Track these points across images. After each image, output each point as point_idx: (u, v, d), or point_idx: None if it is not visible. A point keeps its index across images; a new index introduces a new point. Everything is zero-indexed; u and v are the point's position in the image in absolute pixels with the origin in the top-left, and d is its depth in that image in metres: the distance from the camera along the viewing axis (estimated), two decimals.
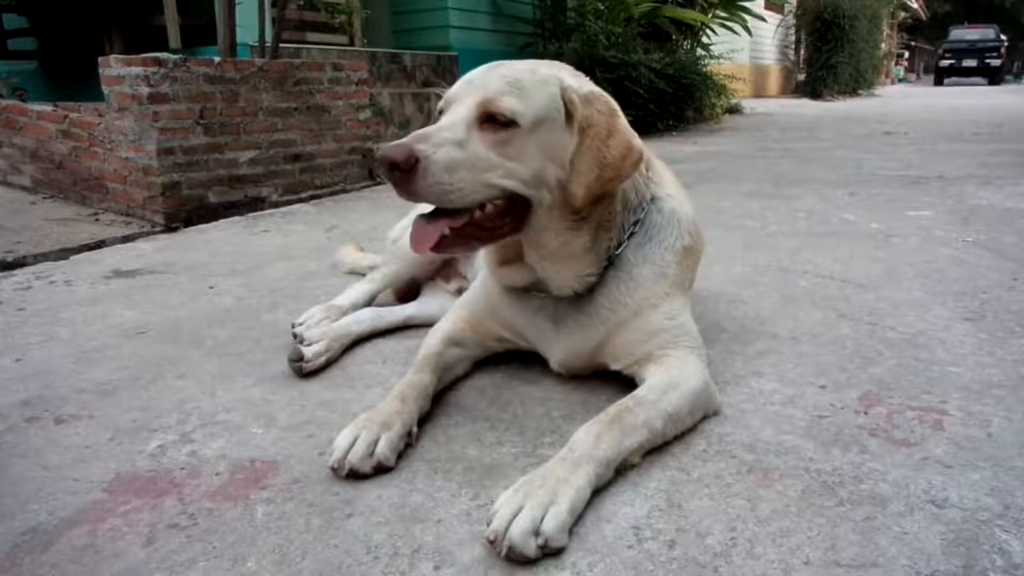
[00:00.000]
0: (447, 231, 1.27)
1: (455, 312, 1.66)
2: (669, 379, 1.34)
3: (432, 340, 1.57)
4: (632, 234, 1.46)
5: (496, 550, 1.02)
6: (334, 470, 1.23)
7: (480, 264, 1.88)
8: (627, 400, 1.28)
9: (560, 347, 1.51)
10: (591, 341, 1.47)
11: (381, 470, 1.24)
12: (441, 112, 1.37)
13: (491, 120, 1.28)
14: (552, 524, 1.03)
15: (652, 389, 1.31)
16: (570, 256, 1.41)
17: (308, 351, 1.68)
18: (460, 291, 1.95)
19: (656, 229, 1.49)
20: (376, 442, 1.25)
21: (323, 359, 1.70)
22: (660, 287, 1.46)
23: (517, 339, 1.60)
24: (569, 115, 1.33)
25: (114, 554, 1.06)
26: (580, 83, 1.38)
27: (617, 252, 1.45)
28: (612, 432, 1.19)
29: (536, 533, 1.02)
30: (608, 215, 1.43)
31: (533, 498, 1.06)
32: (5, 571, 1.03)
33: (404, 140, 1.24)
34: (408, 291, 2.07)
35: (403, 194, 1.24)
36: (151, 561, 1.04)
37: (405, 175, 1.21)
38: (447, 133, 1.27)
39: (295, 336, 1.77)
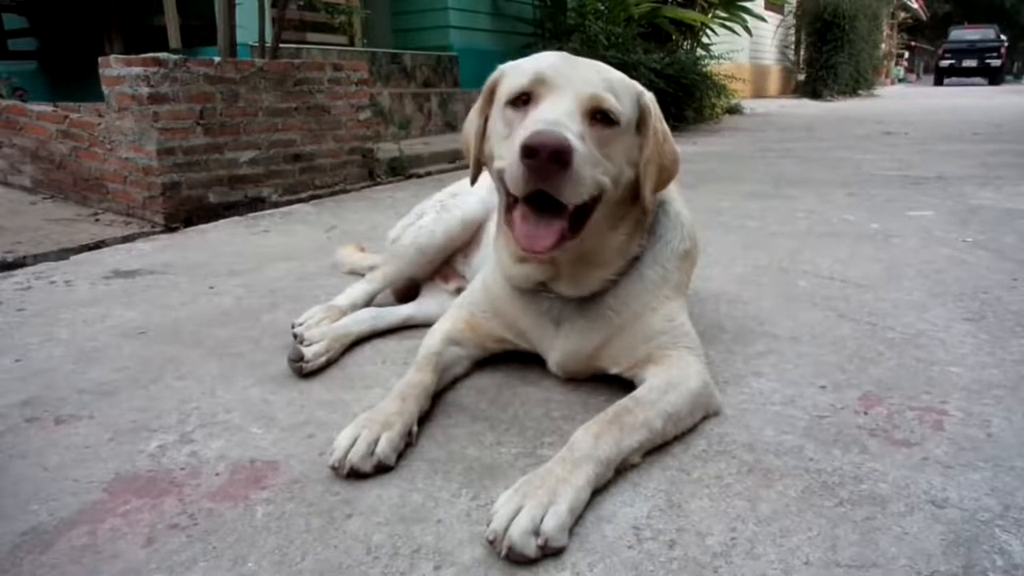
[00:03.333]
0: (566, 228, 1.25)
1: (454, 312, 1.65)
2: (668, 379, 1.34)
3: (432, 339, 1.56)
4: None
5: (496, 550, 1.02)
6: (334, 469, 1.23)
7: (479, 264, 1.88)
8: (627, 400, 1.28)
9: (560, 349, 1.50)
10: (591, 343, 1.46)
11: (382, 469, 1.23)
12: (526, 94, 1.30)
13: (594, 117, 1.27)
14: (552, 524, 1.03)
15: (652, 389, 1.32)
16: (603, 256, 1.42)
17: (308, 351, 1.68)
18: (459, 291, 1.94)
19: (663, 231, 1.51)
20: (377, 441, 1.24)
21: (323, 359, 1.70)
22: (662, 290, 1.47)
23: (518, 340, 1.59)
24: (640, 120, 1.37)
25: (114, 554, 1.06)
26: (642, 86, 1.41)
27: (639, 254, 1.46)
28: (612, 432, 1.19)
29: (536, 533, 1.02)
30: (642, 217, 1.44)
31: (532, 498, 1.06)
32: (5, 571, 1.03)
33: (546, 128, 1.16)
34: (407, 291, 2.07)
35: (541, 186, 1.18)
36: (151, 561, 1.04)
37: (560, 167, 1.15)
38: (573, 126, 1.21)
39: (295, 336, 1.77)
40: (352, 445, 1.23)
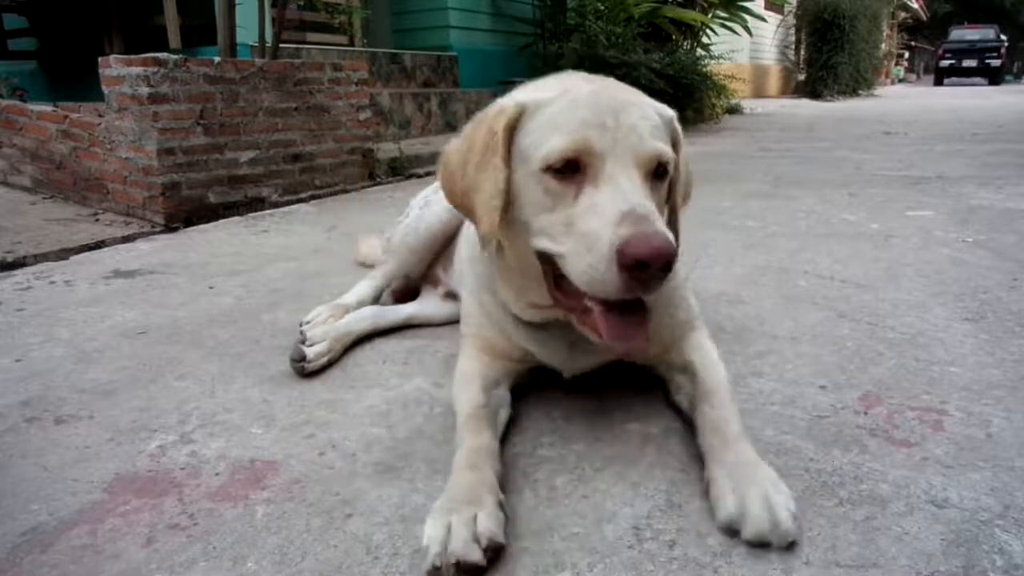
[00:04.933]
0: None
1: (467, 344, 1.49)
2: (703, 360, 1.38)
3: (468, 391, 1.34)
4: None
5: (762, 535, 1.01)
6: (436, 569, 0.95)
7: (458, 278, 1.84)
8: (704, 406, 1.28)
9: (576, 365, 1.44)
10: (611, 354, 1.42)
11: (496, 550, 1.00)
12: (576, 161, 1.12)
13: (651, 174, 1.17)
14: (790, 505, 1.05)
15: (706, 380, 1.34)
16: None
17: (310, 351, 1.67)
18: (447, 295, 1.96)
19: None
20: (475, 521, 1.00)
21: (325, 359, 1.69)
22: (673, 286, 1.44)
23: (530, 352, 1.48)
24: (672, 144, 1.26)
25: (114, 554, 1.06)
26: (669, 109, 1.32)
27: None
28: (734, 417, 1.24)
29: (770, 514, 1.03)
30: None
31: (754, 485, 1.07)
32: (5, 571, 1.03)
33: (648, 228, 1.03)
34: (405, 291, 2.08)
35: (647, 293, 1.06)
36: (151, 561, 1.04)
37: (665, 273, 1.04)
38: (650, 204, 1.09)
39: (302, 335, 1.76)
40: (447, 534, 0.98)
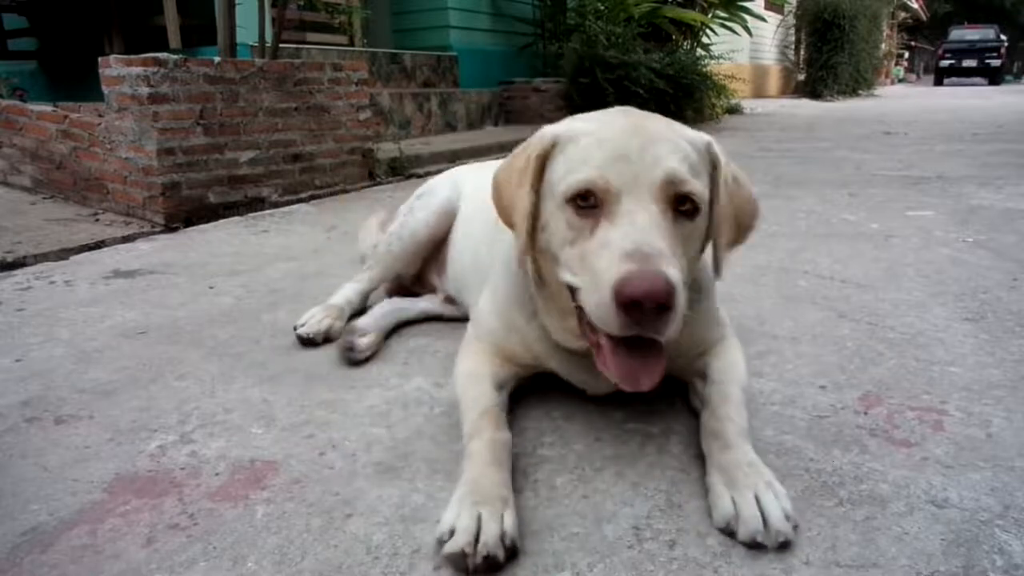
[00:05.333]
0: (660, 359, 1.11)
1: (478, 349, 1.47)
2: (728, 364, 1.38)
3: (479, 388, 1.34)
4: None
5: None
6: (463, 556, 0.98)
7: (454, 283, 1.89)
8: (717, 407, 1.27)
9: (601, 387, 1.40)
10: None
11: (512, 554, 1.01)
12: (590, 196, 1.12)
13: (676, 208, 1.13)
14: (784, 505, 1.06)
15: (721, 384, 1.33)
16: None
17: (361, 342, 1.74)
18: (446, 299, 1.99)
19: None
20: (502, 518, 1.03)
21: (369, 352, 1.75)
22: (709, 303, 1.44)
23: (546, 365, 1.46)
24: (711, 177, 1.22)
25: (114, 554, 1.06)
26: (706, 135, 1.27)
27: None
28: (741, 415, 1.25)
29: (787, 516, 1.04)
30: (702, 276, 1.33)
31: (746, 489, 1.08)
32: (5, 571, 1.03)
33: (646, 270, 1.01)
34: (397, 290, 2.10)
35: (648, 333, 1.04)
36: (151, 561, 1.04)
37: (665, 312, 1.01)
38: (662, 242, 1.06)
39: (302, 338, 1.83)
40: (479, 527, 1.00)
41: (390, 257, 2.02)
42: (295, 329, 1.85)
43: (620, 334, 1.06)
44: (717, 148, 1.24)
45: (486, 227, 1.63)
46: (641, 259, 1.02)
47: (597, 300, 1.06)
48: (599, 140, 1.16)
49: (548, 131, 1.24)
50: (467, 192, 1.95)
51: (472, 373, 1.40)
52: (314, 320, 1.86)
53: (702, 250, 1.27)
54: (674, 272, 1.03)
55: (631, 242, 1.05)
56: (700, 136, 1.24)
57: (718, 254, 1.24)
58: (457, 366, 1.45)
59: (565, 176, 1.16)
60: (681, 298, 1.03)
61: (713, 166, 1.23)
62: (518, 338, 1.43)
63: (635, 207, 1.09)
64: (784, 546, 1.02)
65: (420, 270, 2.06)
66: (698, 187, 1.14)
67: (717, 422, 1.23)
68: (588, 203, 1.13)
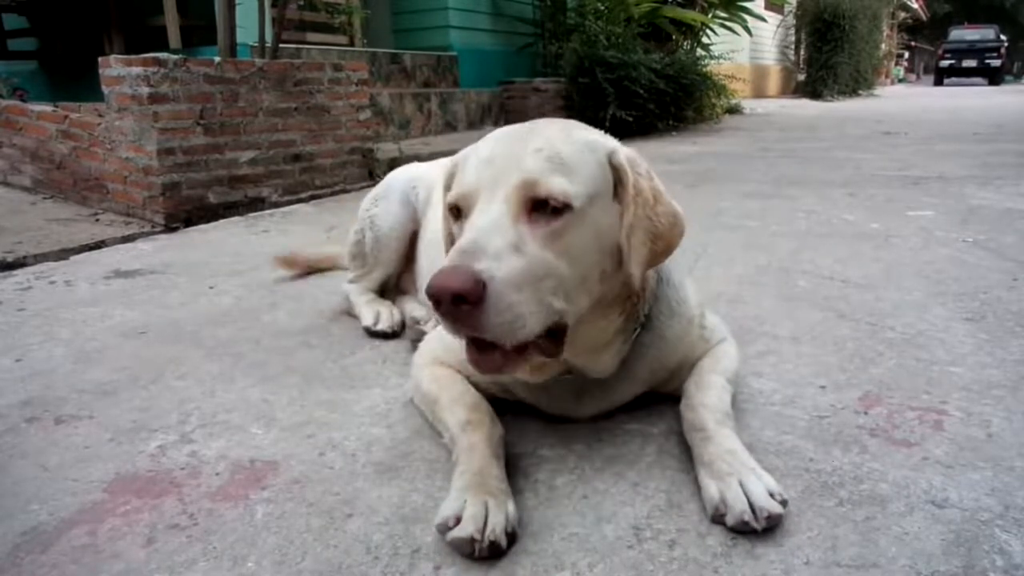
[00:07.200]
0: (509, 352, 1.06)
1: (438, 368, 1.42)
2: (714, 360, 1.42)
3: (457, 388, 1.34)
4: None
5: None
6: (471, 541, 1.01)
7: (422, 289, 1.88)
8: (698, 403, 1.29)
9: (587, 411, 1.38)
10: (628, 395, 1.39)
11: (512, 540, 1.05)
12: (458, 209, 1.13)
13: (538, 208, 1.07)
14: (768, 486, 1.10)
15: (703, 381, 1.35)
16: (604, 345, 1.27)
17: (428, 328, 1.76)
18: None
19: (667, 272, 1.36)
20: (507, 509, 1.07)
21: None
22: (689, 326, 1.40)
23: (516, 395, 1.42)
24: (615, 186, 1.16)
25: (114, 554, 1.06)
26: (615, 143, 1.21)
27: (647, 314, 1.31)
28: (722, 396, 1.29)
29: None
30: (641, 289, 1.26)
31: (730, 476, 1.11)
32: (5, 571, 1.03)
33: (455, 261, 0.99)
34: (384, 290, 2.11)
35: (466, 332, 1.02)
36: (151, 561, 1.04)
37: (473, 308, 0.96)
38: (497, 238, 1.02)
39: (384, 332, 1.89)
40: (486, 514, 1.04)
41: (384, 256, 2.00)
42: (368, 329, 1.89)
43: (453, 335, 1.06)
44: (624, 159, 1.17)
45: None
46: (459, 256, 1.00)
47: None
48: (478, 153, 1.15)
49: (456, 155, 1.24)
50: (435, 199, 1.84)
51: (441, 376, 1.39)
52: (385, 315, 1.92)
53: (620, 262, 1.18)
54: (490, 266, 0.98)
55: (464, 241, 1.03)
56: (602, 144, 1.18)
57: (630, 269, 1.15)
58: (416, 384, 1.43)
59: (452, 192, 1.17)
60: (498, 294, 0.97)
61: (617, 177, 1.16)
62: (455, 358, 1.36)
63: (483, 208, 1.07)
64: (774, 528, 1.04)
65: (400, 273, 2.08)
66: (561, 187, 1.06)
67: (692, 412, 1.26)
68: (458, 210, 1.14)
